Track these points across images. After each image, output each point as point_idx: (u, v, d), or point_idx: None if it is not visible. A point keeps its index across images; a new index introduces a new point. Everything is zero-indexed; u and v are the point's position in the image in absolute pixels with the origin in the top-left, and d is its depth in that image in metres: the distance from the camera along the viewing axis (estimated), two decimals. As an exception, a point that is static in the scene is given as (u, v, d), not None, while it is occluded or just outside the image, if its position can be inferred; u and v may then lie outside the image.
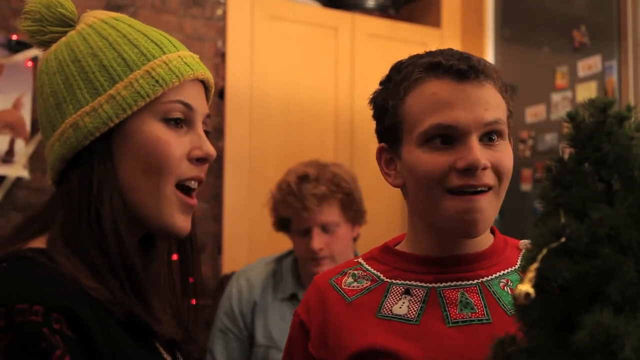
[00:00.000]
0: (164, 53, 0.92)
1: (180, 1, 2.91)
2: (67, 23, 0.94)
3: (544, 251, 0.66)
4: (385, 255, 1.09)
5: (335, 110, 2.88)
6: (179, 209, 0.92)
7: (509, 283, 1.02)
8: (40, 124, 0.95)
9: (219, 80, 2.94)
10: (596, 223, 0.66)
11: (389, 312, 1.02)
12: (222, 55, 2.85)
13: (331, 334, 1.05)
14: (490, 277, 1.02)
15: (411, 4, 3.29)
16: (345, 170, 1.99)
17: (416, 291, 1.02)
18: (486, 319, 0.98)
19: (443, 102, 0.97)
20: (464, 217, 0.96)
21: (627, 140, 0.69)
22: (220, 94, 2.80)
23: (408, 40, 3.02)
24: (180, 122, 0.92)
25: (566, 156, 0.74)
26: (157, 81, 0.89)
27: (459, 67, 0.97)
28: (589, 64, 2.60)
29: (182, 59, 0.93)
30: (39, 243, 0.88)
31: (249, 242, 2.70)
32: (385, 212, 2.79)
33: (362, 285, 1.07)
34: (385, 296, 1.04)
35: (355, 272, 1.09)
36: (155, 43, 0.92)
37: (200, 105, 0.94)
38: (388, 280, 1.05)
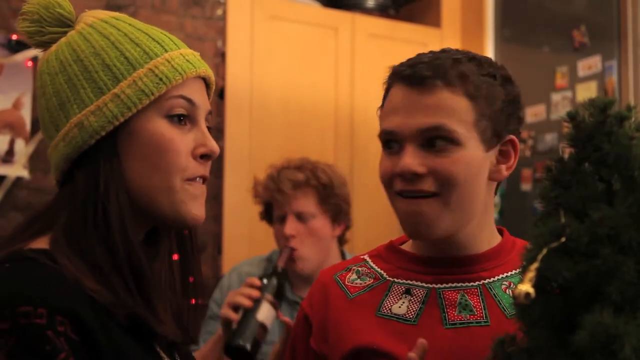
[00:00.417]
0: (166, 51, 0.92)
1: (180, 1, 2.91)
2: (65, 23, 0.94)
3: (544, 251, 0.66)
4: (390, 253, 1.09)
5: (335, 110, 2.88)
6: (191, 197, 0.92)
7: (511, 285, 1.01)
8: (41, 124, 0.94)
9: (219, 80, 2.94)
10: (596, 223, 0.66)
11: (389, 311, 1.02)
12: (222, 55, 2.85)
13: (331, 329, 1.05)
14: (492, 279, 1.02)
15: (411, 4, 3.29)
16: (333, 169, 1.99)
17: (416, 291, 1.02)
18: (484, 322, 0.98)
19: (393, 109, 1.00)
20: (409, 219, 0.99)
21: (627, 140, 0.69)
22: (220, 94, 2.80)
23: (408, 40, 3.02)
24: (184, 119, 0.92)
25: (566, 156, 0.74)
26: (160, 79, 0.90)
27: (406, 74, 0.99)
28: (589, 64, 2.60)
29: (184, 57, 0.93)
30: (41, 243, 0.88)
31: (249, 242, 2.70)
32: (385, 212, 2.79)
33: (365, 283, 1.07)
34: (386, 295, 1.04)
35: (360, 268, 1.10)
36: (157, 41, 0.93)
37: (203, 102, 0.95)
38: (390, 278, 1.05)
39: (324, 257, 1.95)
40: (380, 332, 1.00)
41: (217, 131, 2.77)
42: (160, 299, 0.92)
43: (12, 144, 2.55)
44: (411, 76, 0.99)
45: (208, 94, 0.98)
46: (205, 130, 0.94)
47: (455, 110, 0.97)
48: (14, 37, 2.57)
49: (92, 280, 0.84)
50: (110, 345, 0.82)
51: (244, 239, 2.70)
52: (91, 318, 0.80)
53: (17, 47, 2.56)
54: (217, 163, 2.91)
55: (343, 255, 2.05)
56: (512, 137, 1.01)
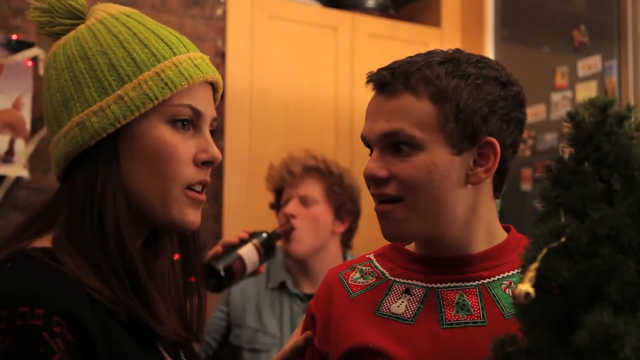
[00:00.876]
0: (174, 54, 0.91)
1: (180, 1, 2.91)
2: (76, 15, 0.93)
3: (544, 251, 0.66)
4: (393, 252, 1.09)
5: (335, 110, 2.88)
6: (189, 205, 0.92)
7: (511, 285, 1.01)
8: (45, 119, 0.94)
9: (219, 80, 2.94)
10: (596, 223, 0.66)
11: (387, 310, 1.02)
12: (222, 55, 2.85)
13: (332, 328, 1.06)
14: (492, 279, 1.01)
15: (411, 3, 3.29)
16: (346, 171, 2.04)
17: (416, 291, 1.02)
18: (481, 322, 0.98)
19: (366, 114, 1.03)
20: (381, 222, 1.01)
21: (627, 140, 0.69)
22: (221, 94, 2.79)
23: (408, 40, 3.02)
24: (188, 124, 0.91)
25: (566, 156, 0.74)
26: (166, 84, 0.89)
27: (373, 79, 1.01)
28: (589, 64, 2.60)
29: (192, 61, 0.92)
30: (44, 242, 0.87)
31: (249, 242, 2.70)
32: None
33: (367, 282, 1.07)
34: (386, 294, 1.04)
35: (364, 267, 1.10)
36: (166, 43, 0.91)
37: (209, 110, 0.94)
38: (392, 278, 1.06)
39: (320, 246, 1.98)
40: (377, 332, 1.00)
41: (217, 131, 2.77)
42: (161, 299, 0.92)
43: (12, 143, 2.55)
44: (377, 82, 1.00)
45: (215, 98, 0.97)
46: (209, 136, 0.94)
47: (416, 114, 0.96)
48: (14, 37, 2.57)
49: (94, 278, 0.83)
50: (109, 348, 0.81)
51: (244, 239, 2.70)
52: (91, 319, 0.80)
53: (17, 47, 2.56)
54: (217, 163, 2.91)
55: (344, 258, 2.06)
56: (490, 139, 0.97)
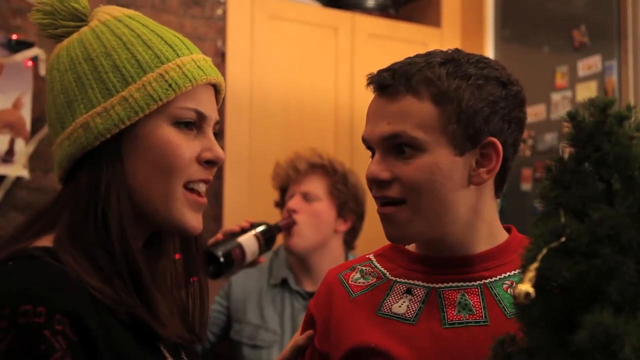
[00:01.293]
0: (178, 56, 0.91)
1: (180, 1, 2.91)
2: (79, 18, 0.93)
3: (544, 251, 0.66)
4: (393, 253, 1.09)
5: (335, 110, 2.88)
6: (190, 207, 0.92)
7: (513, 285, 1.01)
8: (48, 120, 0.94)
9: (219, 80, 2.94)
10: (596, 223, 0.66)
11: (389, 310, 1.02)
12: (222, 55, 2.85)
13: (333, 328, 1.06)
14: (494, 279, 1.01)
15: (411, 3, 3.29)
16: (351, 171, 2.05)
17: (417, 291, 1.02)
18: (483, 321, 0.98)
19: (367, 116, 1.03)
20: (384, 224, 1.01)
21: (627, 140, 0.69)
22: (220, 93, 2.79)
23: (408, 40, 3.02)
24: (191, 125, 0.92)
25: (566, 156, 0.74)
26: (170, 85, 0.89)
27: (373, 81, 1.00)
28: (589, 64, 2.60)
29: (196, 63, 0.92)
30: (45, 241, 0.87)
31: (249, 242, 2.70)
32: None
33: (368, 282, 1.07)
34: (388, 294, 1.04)
35: (364, 268, 1.10)
36: (170, 45, 0.92)
37: (212, 112, 0.95)
38: (392, 278, 1.06)
39: (320, 243, 1.99)
40: (379, 332, 1.00)
41: (217, 131, 2.77)
42: (164, 300, 0.92)
43: (12, 143, 2.55)
44: (377, 84, 1.00)
45: (217, 99, 0.98)
46: (212, 137, 0.94)
47: (418, 116, 0.96)
48: (14, 37, 2.57)
49: (96, 278, 0.84)
50: (110, 347, 0.81)
51: (244, 239, 2.70)
52: (92, 318, 0.80)
53: (17, 47, 2.56)
54: (217, 163, 2.91)
55: (347, 258, 2.06)
56: (492, 139, 0.97)
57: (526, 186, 2.81)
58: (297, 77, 2.82)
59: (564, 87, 2.70)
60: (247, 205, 2.69)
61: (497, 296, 1.00)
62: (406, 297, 1.02)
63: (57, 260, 0.83)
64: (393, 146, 0.98)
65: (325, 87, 2.87)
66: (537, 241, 0.68)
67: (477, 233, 1.02)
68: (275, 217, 2.09)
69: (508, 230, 1.08)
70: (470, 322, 0.98)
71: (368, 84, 1.02)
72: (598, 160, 0.70)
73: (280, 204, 2.11)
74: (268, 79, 2.77)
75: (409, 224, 0.98)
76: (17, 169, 2.54)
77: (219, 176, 2.73)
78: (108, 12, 0.94)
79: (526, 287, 0.64)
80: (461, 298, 1.00)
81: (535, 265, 0.65)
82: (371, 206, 2.22)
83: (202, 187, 0.94)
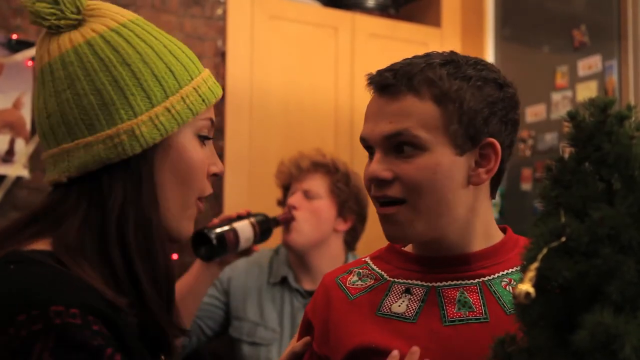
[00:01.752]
0: (199, 71, 0.95)
1: (180, 1, 2.90)
2: (81, 12, 0.91)
3: (544, 251, 0.66)
4: (390, 254, 1.10)
5: (335, 110, 2.88)
6: (194, 215, 0.96)
7: (511, 282, 1.02)
8: (59, 119, 0.89)
9: (219, 80, 2.94)
10: (596, 223, 0.66)
11: (388, 310, 1.02)
12: (222, 55, 2.85)
13: (332, 331, 1.06)
14: (492, 276, 1.02)
15: (411, 3, 3.29)
16: (354, 172, 2.05)
17: (416, 290, 1.03)
18: (483, 318, 0.98)
19: (366, 116, 1.03)
20: (384, 225, 1.02)
21: (627, 140, 0.69)
22: (220, 93, 2.79)
23: (408, 40, 3.02)
24: (206, 139, 0.95)
25: (566, 156, 0.74)
26: (203, 100, 0.93)
27: (374, 81, 1.01)
28: (589, 64, 2.60)
29: (210, 78, 0.96)
30: (43, 244, 0.86)
31: (249, 241, 2.70)
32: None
33: (366, 284, 1.08)
34: (386, 294, 1.04)
35: (361, 270, 1.11)
36: (189, 58, 0.95)
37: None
38: (390, 279, 1.06)
39: (319, 241, 1.99)
40: (379, 331, 1.00)
41: (217, 131, 2.77)
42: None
43: (12, 143, 2.55)
44: (378, 83, 1.00)
45: None
46: (214, 149, 0.98)
47: (420, 115, 0.97)
48: (14, 36, 2.56)
49: (109, 289, 0.83)
50: (134, 347, 0.82)
51: (244, 239, 2.70)
52: (118, 318, 0.80)
53: (17, 46, 2.56)
54: (217, 163, 2.90)
55: (347, 259, 2.06)
56: (491, 140, 0.99)
57: (526, 186, 2.81)
58: (297, 77, 2.82)
59: (564, 87, 2.70)
60: (247, 205, 2.68)
61: (496, 293, 1.00)
62: (405, 296, 1.03)
63: (61, 264, 0.83)
64: (393, 145, 0.98)
65: (325, 87, 2.87)
66: (538, 241, 0.68)
67: (474, 232, 1.03)
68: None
69: (504, 230, 1.09)
70: (471, 319, 0.98)
71: (368, 84, 1.02)
72: (598, 160, 0.70)
73: (283, 202, 2.11)
74: (268, 79, 2.77)
75: (409, 224, 0.99)
76: (17, 169, 2.54)
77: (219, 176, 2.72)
78: (118, 12, 0.94)
79: (526, 286, 0.64)
80: (460, 296, 1.00)
81: (535, 265, 0.65)
82: (372, 208, 2.23)
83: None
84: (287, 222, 1.95)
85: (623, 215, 0.66)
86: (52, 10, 0.90)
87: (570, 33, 2.68)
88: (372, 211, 2.21)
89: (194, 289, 1.82)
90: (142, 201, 0.88)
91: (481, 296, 1.00)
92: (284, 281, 2.04)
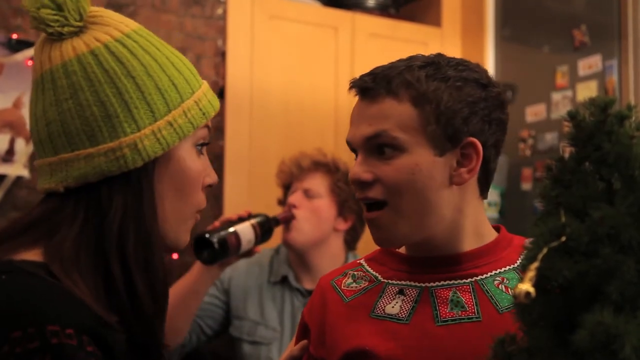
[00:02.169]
0: (199, 84, 0.95)
1: (180, 0, 2.91)
2: (83, 19, 0.90)
3: (544, 250, 0.66)
4: (384, 256, 1.10)
5: (335, 110, 2.88)
6: (190, 228, 0.96)
7: (504, 281, 1.02)
8: (62, 128, 0.88)
9: (219, 80, 2.94)
10: (596, 222, 0.66)
11: (382, 311, 1.03)
12: (222, 55, 2.85)
13: (328, 333, 1.06)
14: (485, 276, 1.02)
15: (411, 3, 3.29)
16: None
17: (409, 291, 1.03)
18: (476, 317, 0.99)
19: (351, 119, 1.05)
20: (370, 228, 1.03)
21: (627, 140, 0.69)
22: (220, 93, 2.79)
23: (408, 39, 3.02)
24: (204, 145, 0.95)
25: (566, 155, 0.74)
26: (203, 113, 0.93)
27: (355, 85, 1.03)
28: (590, 63, 2.59)
29: (210, 91, 0.96)
30: (34, 255, 0.85)
31: (249, 241, 2.70)
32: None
33: (360, 286, 1.08)
34: (380, 296, 1.05)
35: (356, 272, 1.11)
36: (191, 72, 0.94)
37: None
38: (384, 280, 1.07)
39: (319, 239, 2.00)
40: (373, 333, 1.01)
41: (217, 131, 2.77)
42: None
43: (12, 143, 2.55)
44: (359, 87, 1.02)
45: None
46: (208, 160, 0.98)
47: (398, 117, 0.98)
48: (14, 36, 2.57)
49: (100, 304, 0.83)
50: None
51: (244, 239, 2.70)
52: (109, 337, 0.80)
53: (18, 46, 2.56)
54: (217, 163, 2.91)
55: (347, 259, 2.07)
56: (472, 139, 0.99)
57: (526, 186, 2.81)
58: (297, 77, 2.82)
59: (564, 86, 2.70)
60: (247, 205, 2.68)
61: (488, 292, 1.01)
62: (399, 297, 1.03)
63: (53, 277, 0.81)
64: (374, 147, 1.00)
65: (325, 87, 2.87)
66: (538, 240, 0.68)
67: (463, 232, 1.03)
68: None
69: (498, 230, 1.09)
70: (463, 319, 0.99)
71: (350, 88, 1.04)
72: (598, 159, 0.70)
73: (283, 201, 2.12)
74: (268, 79, 2.77)
75: (393, 226, 0.99)
76: (17, 169, 2.54)
77: (219, 176, 2.72)
78: (122, 21, 0.93)
79: (526, 286, 0.64)
80: (453, 295, 1.01)
81: (535, 264, 0.65)
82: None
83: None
84: (287, 221, 1.95)
85: (623, 215, 0.66)
86: (56, 17, 0.88)
87: (571, 33, 2.68)
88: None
89: (194, 289, 1.83)
90: (143, 213, 0.88)
91: (474, 295, 1.00)
92: (284, 280, 2.04)
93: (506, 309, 0.98)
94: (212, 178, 0.97)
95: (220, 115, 2.76)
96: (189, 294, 1.82)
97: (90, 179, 0.87)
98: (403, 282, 1.04)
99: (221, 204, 2.71)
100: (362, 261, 1.13)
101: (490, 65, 3.03)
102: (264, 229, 1.78)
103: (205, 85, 0.96)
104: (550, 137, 2.73)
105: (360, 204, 2.02)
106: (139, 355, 0.87)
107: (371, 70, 1.03)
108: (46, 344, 0.73)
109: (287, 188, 2.10)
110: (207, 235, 1.64)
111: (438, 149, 0.98)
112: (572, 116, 0.73)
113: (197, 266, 1.82)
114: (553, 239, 0.67)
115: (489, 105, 1.01)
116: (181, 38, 2.89)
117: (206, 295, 1.99)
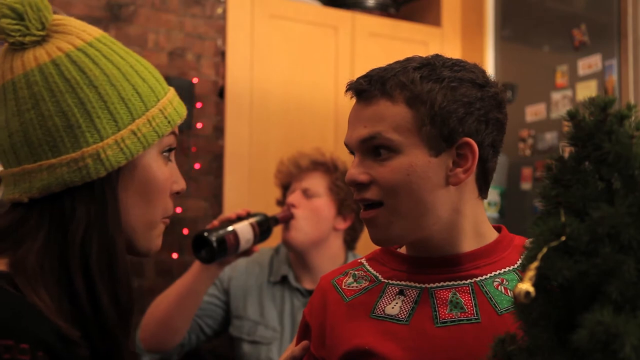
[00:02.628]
0: (165, 91, 0.94)
1: (180, 0, 2.91)
2: (45, 28, 0.89)
3: (544, 250, 0.66)
4: (385, 256, 1.10)
5: (335, 110, 2.88)
6: (161, 232, 0.96)
7: (504, 282, 1.02)
8: (24, 139, 0.87)
9: (219, 79, 2.94)
10: (596, 222, 0.66)
11: (382, 312, 1.03)
12: (222, 54, 2.85)
13: (328, 333, 1.06)
14: (484, 277, 1.02)
15: (411, 3, 3.29)
16: None
17: (409, 292, 1.03)
18: (475, 319, 0.98)
19: (348, 122, 1.06)
20: (367, 227, 1.03)
21: (627, 139, 0.69)
22: (220, 93, 2.79)
23: (408, 39, 3.02)
24: (171, 151, 0.95)
25: (566, 155, 0.74)
26: (168, 121, 0.92)
27: (351, 88, 1.04)
28: (589, 63, 2.60)
29: (175, 97, 0.96)
30: None
31: (249, 241, 2.70)
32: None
33: (361, 286, 1.08)
34: (381, 296, 1.05)
35: (356, 272, 1.11)
36: (156, 78, 0.94)
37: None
38: (385, 280, 1.07)
39: (319, 239, 2.00)
40: (372, 333, 1.01)
41: (217, 131, 2.77)
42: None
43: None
44: (355, 90, 1.03)
45: None
46: (176, 166, 0.97)
47: (392, 118, 0.98)
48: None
49: (62, 319, 0.81)
50: None
51: (244, 238, 2.70)
52: (66, 354, 0.78)
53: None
54: (217, 163, 2.91)
55: (347, 258, 2.07)
56: (468, 139, 0.99)
57: (526, 185, 2.81)
58: (297, 77, 2.82)
59: (564, 86, 2.70)
60: (247, 204, 2.69)
61: (487, 294, 1.01)
62: (399, 298, 1.03)
63: (15, 288, 0.80)
64: (370, 149, 1.00)
65: (325, 87, 2.87)
66: (538, 240, 0.68)
67: (462, 232, 1.03)
68: (275, 216, 2.09)
69: (499, 230, 1.09)
70: (462, 320, 0.99)
71: (346, 91, 1.05)
72: (598, 159, 0.70)
73: (282, 201, 2.12)
74: (268, 78, 2.77)
75: (389, 226, 1.00)
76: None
77: (219, 175, 2.73)
78: (84, 29, 0.91)
79: (526, 286, 0.64)
80: (452, 296, 1.01)
81: (535, 264, 0.65)
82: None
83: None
84: (286, 220, 1.95)
85: (623, 215, 0.66)
86: (17, 27, 0.87)
87: (570, 32, 2.68)
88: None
89: (193, 288, 1.83)
90: (106, 224, 0.87)
91: (473, 297, 1.00)
92: (284, 280, 2.04)
93: (505, 310, 0.98)
94: (179, 185, 0.96)
95: (220, 114, 2.76)
96: (188, 294, 1.82)
97: (54, 189, 0.86)
98: (403, 283, 1.04)
99: (221, 203, 2.71)
100: (363, 260, 1.13)
101: (490, 65, 3.03)
102: (263, 228, 1.78)
103: (171, 92, 0.95)
104: (550, 137, 2.74)
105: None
106: None
107: (367, 73, 1.03)
108: None
109: (285, 188, 2.11)
110: (205, 234, 1.64)
111: (433, 149, 0.98)
112: (572, 116, 0.73)
113: (196, 265, 1.82)
114: (553, 239, 0.67)
115: (485, 105, 1.00)
116: (181, 37, 2.90)
117: (206, 295, 1.99)
